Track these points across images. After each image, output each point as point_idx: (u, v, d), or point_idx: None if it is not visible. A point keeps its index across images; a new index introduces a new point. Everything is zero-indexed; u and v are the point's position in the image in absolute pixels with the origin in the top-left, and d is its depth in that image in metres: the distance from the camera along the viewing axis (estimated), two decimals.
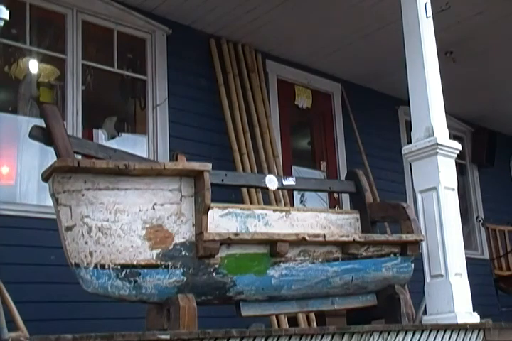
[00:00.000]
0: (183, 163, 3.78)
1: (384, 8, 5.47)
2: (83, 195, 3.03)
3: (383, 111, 7.59)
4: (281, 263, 3.45)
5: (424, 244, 3.97)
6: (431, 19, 4.27)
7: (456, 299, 3.80)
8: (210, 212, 3.27)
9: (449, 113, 4.47)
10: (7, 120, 5.07)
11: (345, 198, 6.52)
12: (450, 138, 4.24)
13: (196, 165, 3.27)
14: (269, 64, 6.62)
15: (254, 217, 3.91)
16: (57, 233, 3.06)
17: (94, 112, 5.62)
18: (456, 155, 4.17)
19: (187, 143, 5.57)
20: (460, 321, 3.70)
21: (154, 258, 3.10)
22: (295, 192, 6.42)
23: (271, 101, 6.47)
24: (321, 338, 2.90)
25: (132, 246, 3.08)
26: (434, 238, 3.95)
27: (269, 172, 5.77)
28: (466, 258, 4.04)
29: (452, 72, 5.94)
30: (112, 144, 5.18)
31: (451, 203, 4.04)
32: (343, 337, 2.98)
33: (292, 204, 6.20)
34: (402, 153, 4.24)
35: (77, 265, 2.99)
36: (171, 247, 3.14)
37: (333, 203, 6.85)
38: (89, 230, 3.01)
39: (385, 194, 6.60)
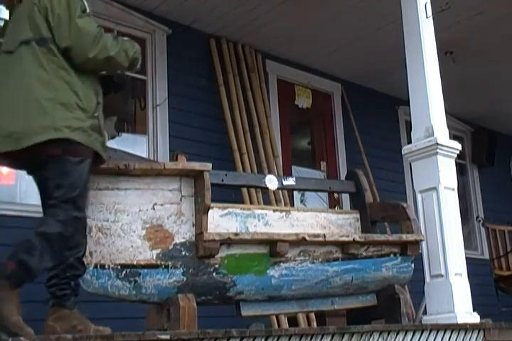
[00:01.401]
0: (183, 163, 3.78)
1: (384, 8, 5.46)
2: None
3: (383, 111, 7.58)
4: (281, 263, 3.46)
5: (424, 244, 3.97)
6: (431, 19, 4.27)
7: (456, 299, 3.80)
8: (210, 212, 3.27)
9: (449, 113, 4.47)
10: None
11: (345, 198, 6.52)
12: (450, 138, 4.24)
13: (196, 165, 3.27)
14: (269, 64, 6.61)
15: (254, 217, 3.91)
16: None
17: None
18: (456, 155, 4.17)
19: (187, 143, 5.57)
20: (460, 321, 3.70)
21: (154, 258, 3.11)
22: (295, 192, 6.42)
23: (271, 101, 6.46)
24: (321, 338, 2.90)
25: (132, 246, 3.08)
26: (434, 238, 3.96)
27: (269, 172, 5.77)
28: (466, 258, 4.04)
29: (452, 72, 5.94)
30: (112, 144, 5.17)
31: (451, 203, 4.04)
32: (343, 337, 2.98)
33: (292, 204, 6.20)
34: (402, 153, 4.24)
35: None
36: (171, 247, 3.14)
37: (333, 203, 6.85)
38: (89, 230, 3.01)
39: (385, 194, 6.59)
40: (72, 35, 2.82)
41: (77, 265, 2.85)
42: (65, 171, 2.75)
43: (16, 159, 2.83)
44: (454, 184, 4.09)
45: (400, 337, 3.22)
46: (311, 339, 2.88)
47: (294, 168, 6.68)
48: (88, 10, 2.93)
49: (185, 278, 3.17)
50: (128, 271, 3.08)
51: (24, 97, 2.75)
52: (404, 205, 4.10)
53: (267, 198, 5.77)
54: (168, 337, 2.46)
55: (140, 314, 3.49)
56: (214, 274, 3.26)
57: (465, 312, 3.81)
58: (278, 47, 6.51)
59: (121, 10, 5.54)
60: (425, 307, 4.04)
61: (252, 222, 3.90)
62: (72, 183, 2.75)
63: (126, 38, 3.08)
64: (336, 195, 6.81)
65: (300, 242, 3.51)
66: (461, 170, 8.16)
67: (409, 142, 4.26)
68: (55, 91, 2.76)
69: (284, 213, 4.05)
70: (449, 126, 4.26)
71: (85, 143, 2.79)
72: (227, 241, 3.27)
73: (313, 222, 4.14)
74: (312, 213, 4.20)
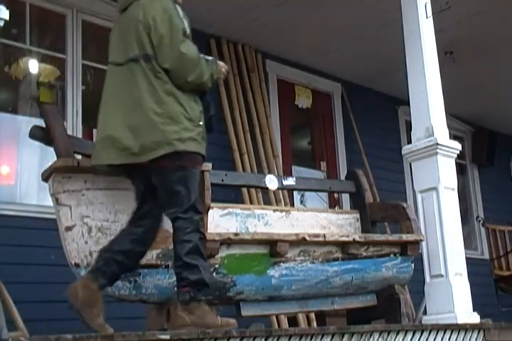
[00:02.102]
0: None
1: (384, 8, 5.46)
2: (83, 195, 3.03)
3: (383, 111, 7.58)
4: (281, 263, 3.46)
5: (424, 244, 3.97)
6: (431, 19, 4.27)
7: (456, 299, 3.80)
8: (210, 212, 3.27)
9: (449, 113, 4.47)
10: (7, 120, 5.06)
11: (345, 198, 6.52)
12: (450, 138, 4.24)
13: None
14: (269, 64, 6.61)
15: (254, 217, 3.91)
16: (57, 233, 3.06)
17: (94, 112, 5.61)
18: (456, 155, 4.17)
19: None
20: (460, 321, 3.70)
21: (154, 258, 3.11)
22: (295, 192, 6.42)
23: (271, 101, 6.46)
24: (321, 338, 2.90)
25: None
26: (434, 238, 3.95)
27: (269, 172, 5.76)
28: (466, 258, 4.04)
29: (452, 72, 5.94)
30: None
31: (451, 203, 4.04)
32: (343, 337, 2.98)
33: (292, 204, 6.20)
34: (402, 153, 4.24)
35: (77, 265, 2.99)
36: (171, 247, 3.13)
37: (333, 203, 6.85)
38: (89, 230, 3.02)
39: (385, 194, 6.59)
40: (174, 59, 2.98)
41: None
42: (180, 180, 2.92)
43: (123, 169, 3.03)
44: (454, 184, 4.09)
45: (400, 337, 3.22)
46: (311, 339, 2.87)
47: (294, 168, 6.68)
48: (188, 30, 3.11)
49: None
50: None
51: (137, 113, 2.93)
52: (404, 205, 4.10)
53: (267, 198, 5.77)
54: (168, 337, 2.46)
55: (140, 314, 3.49)
56: (214, 274, 3.26)
57: (465, 312, 3.81)
58: (278, 47, 6.51)
59: None
60: (425, 307, 4.04)
61: (252, 222, 3.90)
62: (188, 191, 2.92)
63: (211, 58, 3.23)
64: (336, 195, 6.81)
65: (300, 242, 3.51)
66: (461, 170, 8.15)
67: (409, 142, 4.25)
68: (164, 105, 2.93)
69: (284, 213, 4.05)
70: (449, 126, 4.26)
71: (196, 151, 2.97)
72: (227, 241, 3.27)
73: (313, 222, 4.14)
74: (312, 213, 4.20)
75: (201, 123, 2.99)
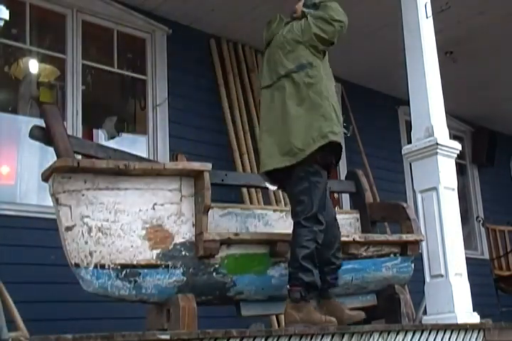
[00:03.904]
0: (183, 163, 3.78)
1: (384, 8, 5.46)
2: (83, 195, 3.03)
3: (383, 111, 7.58)
4: (281, 263, 3.46)
5: (424, 244, 3.97)
6: (431, 19, 4.27)
7: (456, 299, 3.80)
8: (210, 212, 3.27)
9: (449, 113, 4.47)
10: (7, 120, 5.06)
11: (345, 198, 6.52)
12: (450, 138, 4.24)
13: (196, 165, 3.27)
14: None
15: (254, 217, 3.91)
16: (57, 233, 3.07)
17: (94, 112, 5.62)
18: (456, 155, 4.16)
19: (187, 143, 5.57)
20: (460, 321, 3.70)
21: (154, 258, 3.11)
22: None
23: None
24: (321, 338, 2.90)
25: (132, 246, 3.08)
26: (434, 238, 3.95)
27: None
28: (466, 258, 4.04)
29: (452, 72, 5.94)
30: (112, 144, 5.18)
31: (451, 203, 4.03)
32: (343, 337, 2.98)
33: None
34: (402, 153, 4.24)
35: (77, 265, 2.99)
36: (171, 247, 3.14)
37: (333, 203, 6.83)
38: (89, 230, 3.01)
39: (385, 194, 6.59)
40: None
41: (333, 260, 3.47)
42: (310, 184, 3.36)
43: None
44: (454, 184, 4.09)
45: (400, 337, 3.22)
46: (311, 339, 2.88)
47: None
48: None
49: (185, 278, 3.17)
50: (128, 271, 3.07)
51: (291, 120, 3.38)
52: (404, 205, 4.10)
53: (267, 198, 5.77)
54: (168, 337, 2.46)
55: (140, 314, 3.49)
56: (214, 274, 3.26)
57: (465, 312, 3.81)
58: None
59: (121, 10, 5.55)
60: (425, 307, 4.03)
61: (252, 222, 3.90)
62: (312, 198, 3.36)
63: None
64: (336, 195, 6.81)
65: None
66: (461, 170, 8.15)
67: (409, 142, 4.25)
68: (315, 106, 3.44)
69: (284, 213, 4.05)
70: (449, 126, 4.26)
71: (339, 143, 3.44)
72: (227, 241, 3.27)
73: None
74: None
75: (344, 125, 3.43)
